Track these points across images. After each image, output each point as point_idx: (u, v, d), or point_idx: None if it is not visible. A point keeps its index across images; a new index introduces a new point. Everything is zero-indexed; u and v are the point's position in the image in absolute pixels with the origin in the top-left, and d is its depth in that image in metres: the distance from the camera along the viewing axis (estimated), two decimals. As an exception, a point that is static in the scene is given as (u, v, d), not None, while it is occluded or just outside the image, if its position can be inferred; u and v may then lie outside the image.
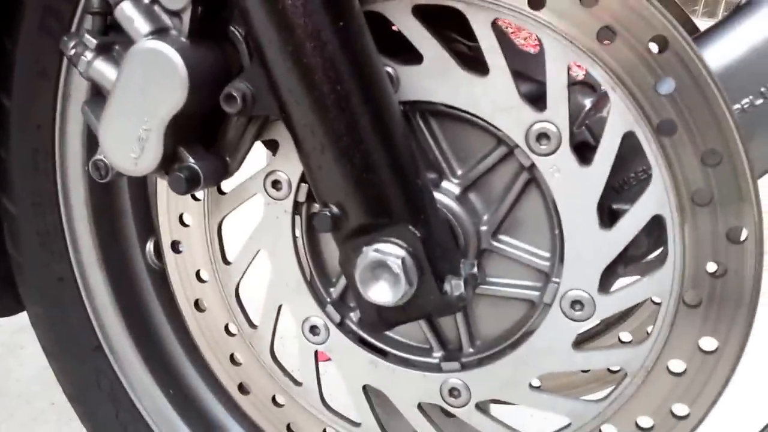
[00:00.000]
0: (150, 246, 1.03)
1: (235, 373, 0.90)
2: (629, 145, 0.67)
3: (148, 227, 1.05)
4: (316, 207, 0.80)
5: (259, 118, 0.75)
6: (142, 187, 1.04)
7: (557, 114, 0.67)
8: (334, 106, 0.64)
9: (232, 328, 0.89)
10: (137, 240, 1.06)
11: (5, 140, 0.98)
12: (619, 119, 0.66)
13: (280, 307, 0.85)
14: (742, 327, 0.68)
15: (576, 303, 0.72)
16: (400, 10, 0.70)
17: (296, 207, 0.81)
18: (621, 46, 0.64)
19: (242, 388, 0.91)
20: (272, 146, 0.79)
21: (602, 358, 0.74)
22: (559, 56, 0.66)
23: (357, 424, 0.87)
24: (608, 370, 1.14)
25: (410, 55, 0.71)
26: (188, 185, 0.71)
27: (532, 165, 0.70)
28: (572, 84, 0.69)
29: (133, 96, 0.69)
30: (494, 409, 0.85)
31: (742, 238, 0.65)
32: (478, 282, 0.76)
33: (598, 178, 0.68)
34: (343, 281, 0.84)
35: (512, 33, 0.88)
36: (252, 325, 0.88)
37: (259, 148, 0.81)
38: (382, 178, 0.66)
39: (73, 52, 0.73)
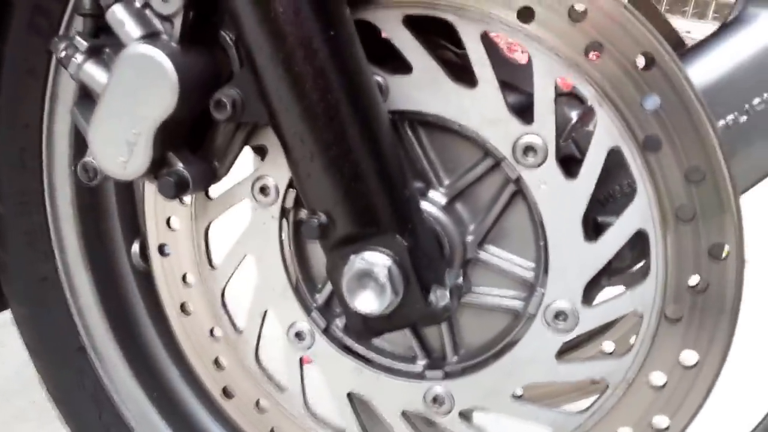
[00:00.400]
0: (135, 247, 1.03)
1: (219, 377, 0.90)
2: (615, 158, 0.68)
3: (134, 228, 1.04)
4: (304, 213, 0.80)
5: (249, 124, 0.75)
6: (128, 188, 1.04)
7: (544, 127, 0.68)
8: (323, 114, 0.64)
9: (217, 332, 0.89)
10: (123, 241, 1.05)
11: (-7, 139, 0.97)
12: (605, 134, 0.67)
13: (265, 312, 0.85)
14: (722, 341, 0.69)
15: (559, 314, 0.72)
16: (390, 19, 0.70)
17: (283, 212, 0.81)
18: (608, 62, 0.65)
19: (226, 393, 0.91)
20: (260, 151, 0.79)
21: (584, 369, 0.75)
22: (547, 70, 0.67)
23: (341, 430, 0.87)
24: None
25: (400, 63, 0.72)
26: (177, 190, 0.71)
27: (519, 177, 0.71)
28: (559, 95, 0.70)
29: (123, 100, 0.68)
30: (477, 417, 0.86)
31: (724, 254, 0.66)
32: (463, 292, 0.77)
33: (583, 191, 0.69)
34: (329, 287, 0.84)
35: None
36: (237, 330, 0.88)
37: (246, 153, 0.81)
38: (370, 187, 0.66)
39: (63, 53, 0.72)
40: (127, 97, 0.68)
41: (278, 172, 0.78)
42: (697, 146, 0.65)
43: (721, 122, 0.74)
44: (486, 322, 0.80)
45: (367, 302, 0.67)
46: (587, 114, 0.77)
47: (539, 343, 0.74)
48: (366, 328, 0.70)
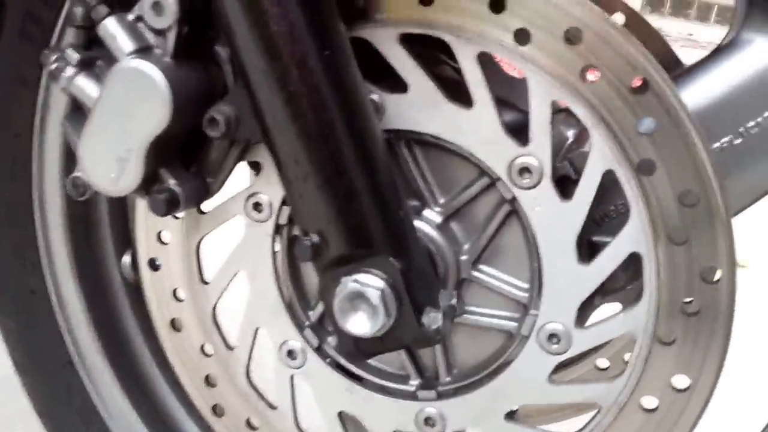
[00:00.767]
0: (127, 258, 1.01)
1: (209, 394, 0.89)
2: (610, 179, 0.68)
3: (126, 239, 1.03)
4: (297, 230, 0.80)
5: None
6: (120, 199, 1.03)
7: (540, 149, 0.68)
8: (318, 134, 0.64)
9: (208, 349, 0.88)
10: (114, 252, 1.04)
11: (-18, 149, 0.96)
12: (600, 157, 0.67)
13: (257, 329, 0.84)
14: (714, 364, 0.69)
15: (553, 336, 0.72)
16: (386, 37, 0.70)
17: (277, 229, 0.80)
18: (603, 85, 0.65)
19: (216, 410, 0.90)
20: (255, 166, 0.79)
21: (577, 392, 0.74)
22: (543, 92, 0.67)
23: (332, 449, 0.86)
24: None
25: (396, 81, 0.71)
26: (168, 208, 0.70)
27: (514, 198, 0.71)
28: (556, 112, 0.70)
29: (115, 115, 0.68)
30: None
31: (716, 278, 0.66)
32: (457, 312, 0.76)
33: (577, 213, 0.69)
34: (322, 305, 0.83)
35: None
36: (228, 347, 0.87)
37: (240, 166, 0.80)
38: (364, 208, 0.66)
39: (54, 66, 0.71)
40: (118, 112, 0.67)
41: (272, 189, 0.78)
42: (690, 170, 0.65)
43: (716, 144, 0.74)
44: (479, 342, 0.79)
45: (360, 324, 0.67)
46: (582, 134, 0.77)
47: (532, 364, 0.73)
48: (358, 349, 0.70)
